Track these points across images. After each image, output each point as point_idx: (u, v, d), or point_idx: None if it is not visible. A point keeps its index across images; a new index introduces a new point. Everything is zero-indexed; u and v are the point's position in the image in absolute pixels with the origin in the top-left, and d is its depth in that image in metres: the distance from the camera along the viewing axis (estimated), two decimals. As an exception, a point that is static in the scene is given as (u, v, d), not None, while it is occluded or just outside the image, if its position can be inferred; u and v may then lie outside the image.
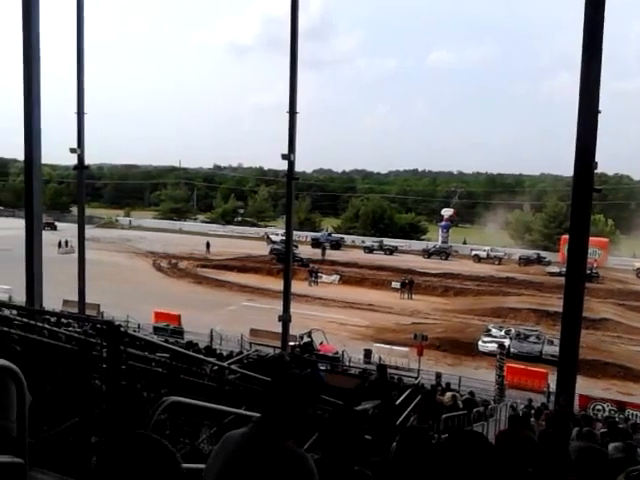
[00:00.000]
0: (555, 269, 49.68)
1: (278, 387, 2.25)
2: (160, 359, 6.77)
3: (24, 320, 6.19)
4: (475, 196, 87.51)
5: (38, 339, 5.24)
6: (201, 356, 8.82)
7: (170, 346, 6.52)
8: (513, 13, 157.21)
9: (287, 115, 19.34)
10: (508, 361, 24.95)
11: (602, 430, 11.40)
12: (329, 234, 67.11)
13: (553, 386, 16.75)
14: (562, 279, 14.98)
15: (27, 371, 4.69)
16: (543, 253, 58.97)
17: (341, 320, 33.49)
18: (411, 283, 42.17)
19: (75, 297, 22.31)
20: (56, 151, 23.79)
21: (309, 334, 26.22)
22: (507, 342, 28.63)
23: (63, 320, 14.97)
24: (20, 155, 16.16)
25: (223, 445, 2.23)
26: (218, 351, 18.98)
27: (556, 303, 31.30)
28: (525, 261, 57.05)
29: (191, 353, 7.28)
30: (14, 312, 7.00)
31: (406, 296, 41.24)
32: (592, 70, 11.55)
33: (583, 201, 12.16)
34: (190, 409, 4.69)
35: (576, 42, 11.77)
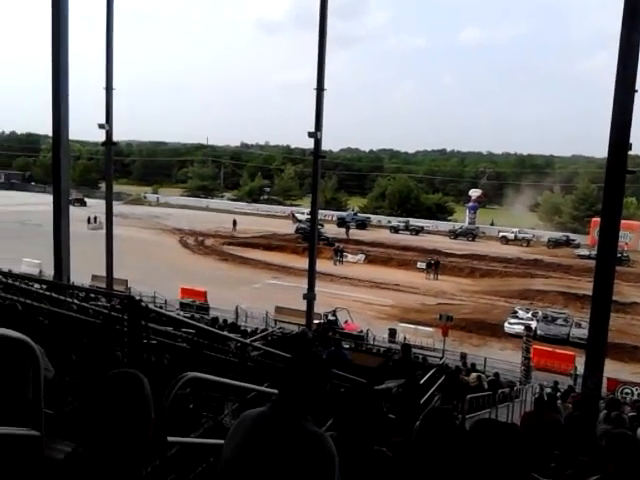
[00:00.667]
0: (584, 252, 48.91)
1: (296, 366, 2.20)
2: (183, 335, 6.81)
3: (52, 294, 6.26)
4: (504, 177, 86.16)
5: (64, 313, 5.29)
6: (224, 333, 8.85)
7: (193, 322, 6.54)
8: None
9: (314, 92, 19.17)
10: (534, 343, 24.71)
11: (631, 414, 11.25)
12: (355, 213, 66.87)
13: (580, 369, 16.51)
14: (591, 262, 14.72)
15: (53, 344, 4.74)
16: (572, 235, 58.00)
17: (366, 299, 33.44)
18: (437, 264, 41.88)
19: (104, 272, 22.64)
20: (86, 127, 23.97)
21: (334, 312, 26.28)
22: (534, 324, 28.32)
23: (91, 295, 15.18)
24: (51, 131, 16.28)
25: (240, 425, 2.18)
26: (242, 327, 19.12)
27: (585, 286, 30.85)
28: (554, 243, 56.23)
29: (213, 329, 7.29)
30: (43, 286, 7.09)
31: (432, 277, 40.99)
32: (631, 46, 11.14)
33: (616, 183, 11.84)
34: (212, 385, 4.69)
35: (614, 19, 11.38)
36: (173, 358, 6.29)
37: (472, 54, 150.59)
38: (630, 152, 12.08)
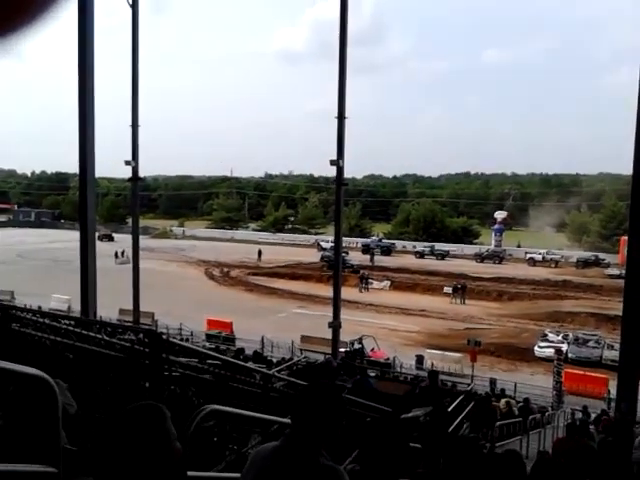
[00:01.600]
0: (615, 271, 47.97)
1: (308, 398, 2.15)
2: (209, 368, 6.85)
3: (77, 330, 6.39)
4: (530, 198, 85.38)
5: (88, 348, 5.39)
6: (248, 364, 8.87)
7: (215, 354, 6.58)
8: (569, 7, 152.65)
9: (336, 120, 19.41)
10: (566, 366, 24.19)
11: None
12: (379, 240, 66.75)
13: (614, 392, 16.14)
14: (622, 281, 14.43)
15: (78, 379, 4.83)
16: (602, 255, 57.00)
17: (392, 326, 33.19)
18: (464, 288, 41.44)
19: (131, 306, 22.92)
20: (114, 164, 24.56)
21: (360, 340, 26.10)
22: (565, 347, 27.76)
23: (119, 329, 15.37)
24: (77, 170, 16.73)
25: (255, 460, 2.17)
26: (268, 358, 19.11)
27: (616, 307, 30.14)
28: (583, 263, 55.32)
29: (236, 361, 7.32)
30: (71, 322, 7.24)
31: (458, 301, 40.56)
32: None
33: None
34: (235, 417, 4.71)
35: (636, 33, 11.39)
36: (198, 390, 6.34)
37: (494, 75, 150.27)
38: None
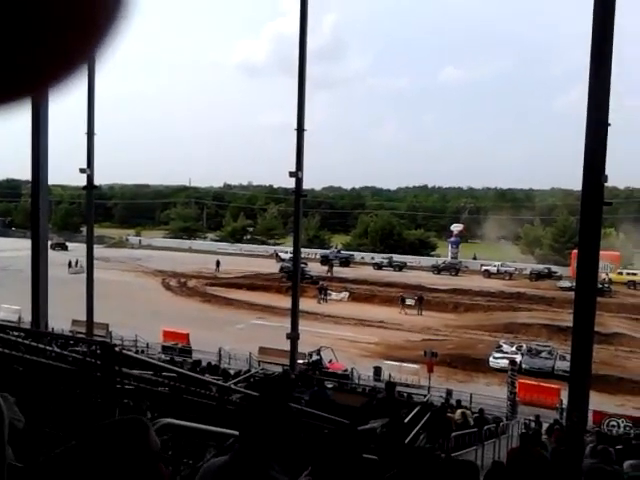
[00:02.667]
0: (566, 284, 49.20)
1: (252, 411, 2.11)
2: (164, 380, 6.73)
3: (26, 342, 6.19)
4: (485, 211, 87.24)
5: (38, 360, 5.22)
6: (205, 376, 8.75)
7: (169, 366, 6.48)
8: (523, 29, 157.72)
9: (295, 133, 19.48)
10: (520, 377, 24.65)
11: (618, 447, 11.21)
12: (338, 251, 67.01)
13: (566, 402, 16.51)
14: (573, 294, 14.82)
15: (27, 392, 4.67)
16: (554, 267, 58.50)
17: (351, 337, 33.28)
18: (420, 299, 41.92)
19: (85, 317, 22.37)
20: (69, 172, 24.06)
21: (318, 352, 26.08)
22: (519, 358, 28.29)
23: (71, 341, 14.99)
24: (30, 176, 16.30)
25: (202, 477, 2.11)
26: (226, 369, 18.90)
27: (568, 318, 30.88)
28: (536, 276, 56.61)
29: (192, 373, 7.22)
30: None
31: (409, 312, 40.96)
32: (601, 80, 11.52)
33: (592, 214, 12.07)
34: (191, 431, 4.63)
35: (586, 55, 11.78)
36: (153, 403, 6.21)
37: (451, 92, 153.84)
38: (607, 184, 12.38)
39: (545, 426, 16.45)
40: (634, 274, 54.26)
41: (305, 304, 28.78)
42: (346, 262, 62.90)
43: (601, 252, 13.23)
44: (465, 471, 1.89)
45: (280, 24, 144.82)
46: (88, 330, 21.31)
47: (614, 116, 11.86)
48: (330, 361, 26.24)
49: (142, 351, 24.04)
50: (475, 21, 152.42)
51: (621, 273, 53.91)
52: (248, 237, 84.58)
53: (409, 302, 41.95)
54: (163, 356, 23.79)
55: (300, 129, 19.39)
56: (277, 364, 23.23)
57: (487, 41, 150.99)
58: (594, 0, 11.42)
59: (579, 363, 11.98)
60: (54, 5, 0.38)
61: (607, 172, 11.89)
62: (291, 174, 19.44)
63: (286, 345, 20.93)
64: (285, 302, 32.67)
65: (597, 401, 19.96)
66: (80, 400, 4.56)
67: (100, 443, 1.40)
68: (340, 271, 57.07)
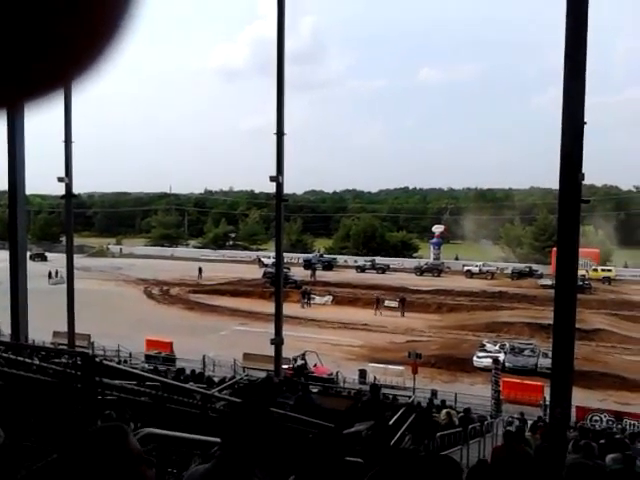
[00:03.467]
0: (547, 282, 49.67)
1: (232, 418, 2.11)
2: (146, 390, 6.68)
3: (6, 355, 6.11)
4: (466, 212, 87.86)
5: (18, 373, 5.16)
6: (188, 385, 8.70)
7: (151, 375, 6.43)
8: (500, 31, 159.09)
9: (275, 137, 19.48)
10: (503, 375, 24.85)
11: (601, 441, 11.34)
12: (321, 255, 67.01)
13: (549, 399, 16.67)
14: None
15: (7, 406, 4.61)
16: (535, 266, 59.04)
17: (335, 341, 33.30)
18: (403, 301, 42.08)
19: (66, 328, 22.12)
20: (47, 181, 23.81)
21: (303, 356, 26.05)
22: (502, 357, 28.53)
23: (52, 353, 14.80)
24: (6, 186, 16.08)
25: None
26: (210, 377, 18.79)
27: (550, 316, 31.14)
28: (517, 275, 57.08)
29: (175, 382, 7.18)
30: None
31: (379, 313, 41.19)
32: (576, 80, 11.67)
33: (570, 212, 12.22)
34: (174, 440, 4.60)
35: (561, 54, 11.93)
36: (135, 413, 6.16)
37: (430, 93, 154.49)
38: (585, 182, 12.55)
39: (530, 423, 16.58)
40: (609, 270, 55.08)
41: (289, 309, 28.73)
42: (329, 266, 62.90)
43: (580, 249, 13.42)
44: (444, 466, 1.90)
45: (258, 27, 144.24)
46: (69, 341, 21.07)
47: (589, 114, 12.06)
48: (315, 365, 26.23)
49: (125, 361, 23.83)
50: (451, 23, 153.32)
51: (596, 270, 54.61)
52: (230, 243, 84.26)
53: (392, 304, 42.07)
54: (146, 365, 23.60)
55: (280, 133, 19.40)
56: (262, 370, 23.14)
57: (463, 42, 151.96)
58: (567, 1, 11.59)
59: (561, 360, 12.12)
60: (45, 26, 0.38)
61: (584, 170, 12.06)
62: (272, 179, 19.43)
63: (270, 350, 20.89)
64: (268, 307, 32.59)
65: (580, 397, 20.19)
66: (61, 412, 4.51)
67: (79, 452, 1.43)
68: (323, 275, 57.08)
